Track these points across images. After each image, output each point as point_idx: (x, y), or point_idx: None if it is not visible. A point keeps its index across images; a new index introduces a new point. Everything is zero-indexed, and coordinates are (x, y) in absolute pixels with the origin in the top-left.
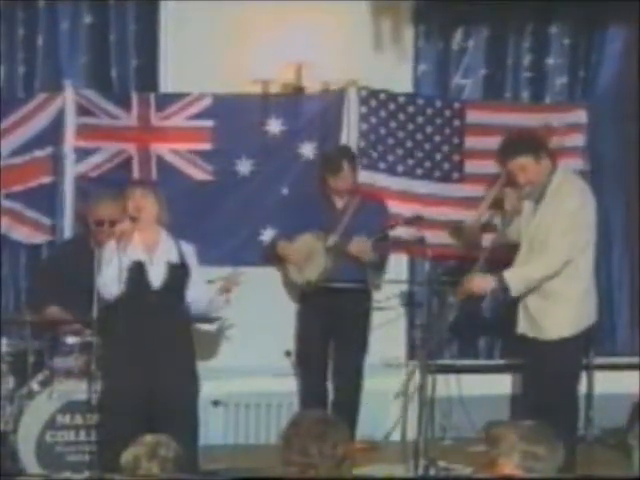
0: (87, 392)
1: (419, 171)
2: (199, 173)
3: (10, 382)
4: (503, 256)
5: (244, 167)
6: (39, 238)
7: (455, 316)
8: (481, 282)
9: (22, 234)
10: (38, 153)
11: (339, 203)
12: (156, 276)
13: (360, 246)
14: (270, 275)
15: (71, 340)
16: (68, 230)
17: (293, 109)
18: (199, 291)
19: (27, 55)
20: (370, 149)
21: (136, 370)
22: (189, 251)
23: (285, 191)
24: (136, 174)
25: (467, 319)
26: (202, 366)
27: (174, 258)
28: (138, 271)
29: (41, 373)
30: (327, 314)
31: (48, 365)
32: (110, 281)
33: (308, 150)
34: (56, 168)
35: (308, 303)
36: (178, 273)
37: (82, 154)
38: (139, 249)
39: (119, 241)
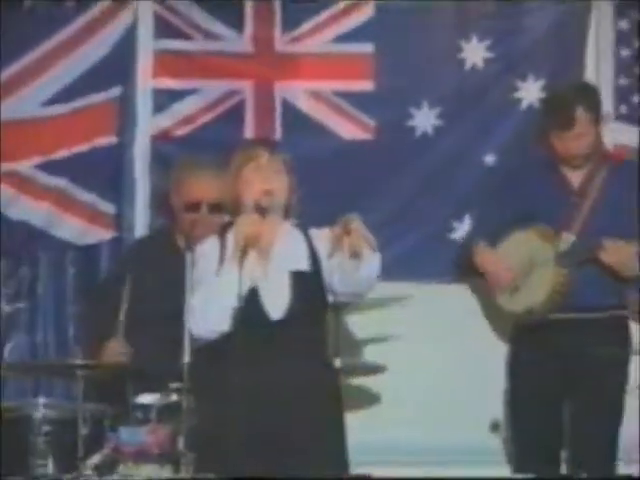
0: None
1: None
2: (352, 128)
3: (49, 465)
4: None
5: (425, 120)
6: (96, 235)
7: None
8: None
9: (70, 230)
10: (93, 98)
11: (575, 178)
12: (275, 300)
13: (619, 252)
14: (464, 297)
15: (147, 400)
16: (142, 222)
17: (506, 26)
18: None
19: None
20: (632, 91)
21: (249, 450)
22: (324, 237)
23: (490, 159)
24: (250, 131)
25: None
26: (354, 443)
27: (303, 263)
28: (247, 294)
29: (99, 453)
30: (560, 361)
31: (110, 440)
32: (212, 309)
33: (530, 92)
34: (122, 122)
35: (528, 344)
36: (312, 287)
37: (164, 99)
38: (249, 258)
39: (243, 252)
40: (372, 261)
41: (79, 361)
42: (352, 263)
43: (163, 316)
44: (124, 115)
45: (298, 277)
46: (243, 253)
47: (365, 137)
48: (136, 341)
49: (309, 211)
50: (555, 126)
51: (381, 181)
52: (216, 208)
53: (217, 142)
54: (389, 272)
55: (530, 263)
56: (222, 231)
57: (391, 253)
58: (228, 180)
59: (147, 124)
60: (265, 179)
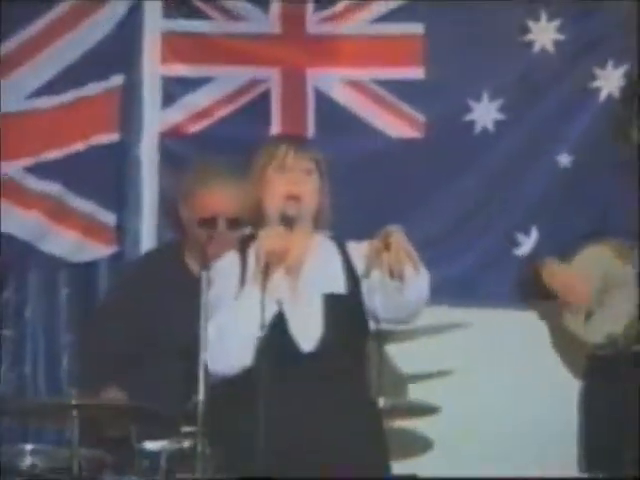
0: None
1: None
2: (398, 124)
3: None
4: None
5: (485, 114)
6: (95, 250)
7: None
8: None
9: (63, 244)
10: (91, 89)
11: None
12: (306, 328)
13: None
14: (530, 324)
15: (155, 445)
16: (148, 235)
17: (581, 3)
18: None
19: None
20: None
21: None
22: (364, 252)
23: (564, 160)
24: (277, 126)
25: None
26: None
27: (339, 283)
28: (273, 321)
29: None
30: None
31: None
32: (231, 339)
33: (610, 80)
34: (125, 116)
35: (605, 378)
36: (350, 312)
37: (175, 89)
38: (275, 278)
39: (266, 272)
40: (418, 282)
41: (74, 401)
42: (394, 284)
43: (173, 347)
44: (127, 108)
45: (333, 300)
46: (266, 272)
47: (413, 135)
48: (141, 377)
49: (346, 222)
50: (635, 115)
51: (432, 187)
52: (236, 223)
53: (237, 140)
54: (441, 295)
55: (606, 284)
56: (243, 246)
57: (443, 272)
58: (249, 186)
59: (155, 119)
60: (291, 181)
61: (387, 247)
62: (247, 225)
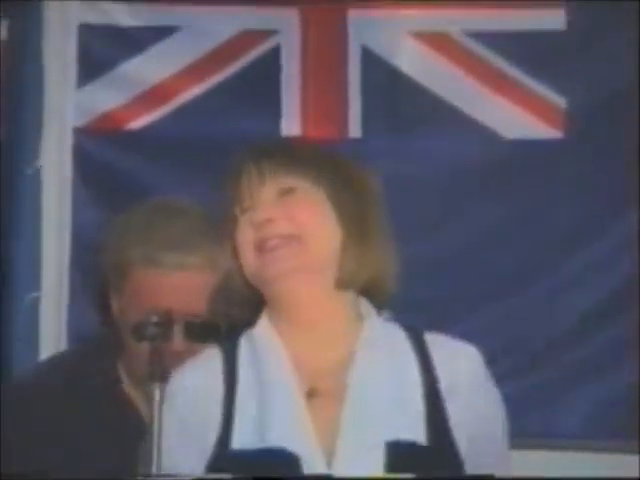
0: None
1: None
2: (520, 115)
3: None
4: None
5: None
6: None
7: None
8: None
9: None
10: None
11: None
12: None
13: None
14: None
15: None
16: (53, 317)
17: None
18: None
19: None
20: None
21: None
22: (476, 373)
23: None
24: (291, 119)
25: None
26: None
27: (416, 421)
28: None
29: None
30: None
31: None
32: None
33: None
34: (11, 97)
35: None
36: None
37: (106, 48)
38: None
39: None
40: None
41: None
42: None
43: None
44: (15, 82)
45: (405, 454)
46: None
47: (546, 133)
48: None
49: (420, 293)
50: None
51: (577, 234)
52: (202, 331)
53: (219, 144)
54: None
55: None
56: (231, 341)
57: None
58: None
59: (67, 102)
60: (262, 217)
61: None
62: (220, 333)
